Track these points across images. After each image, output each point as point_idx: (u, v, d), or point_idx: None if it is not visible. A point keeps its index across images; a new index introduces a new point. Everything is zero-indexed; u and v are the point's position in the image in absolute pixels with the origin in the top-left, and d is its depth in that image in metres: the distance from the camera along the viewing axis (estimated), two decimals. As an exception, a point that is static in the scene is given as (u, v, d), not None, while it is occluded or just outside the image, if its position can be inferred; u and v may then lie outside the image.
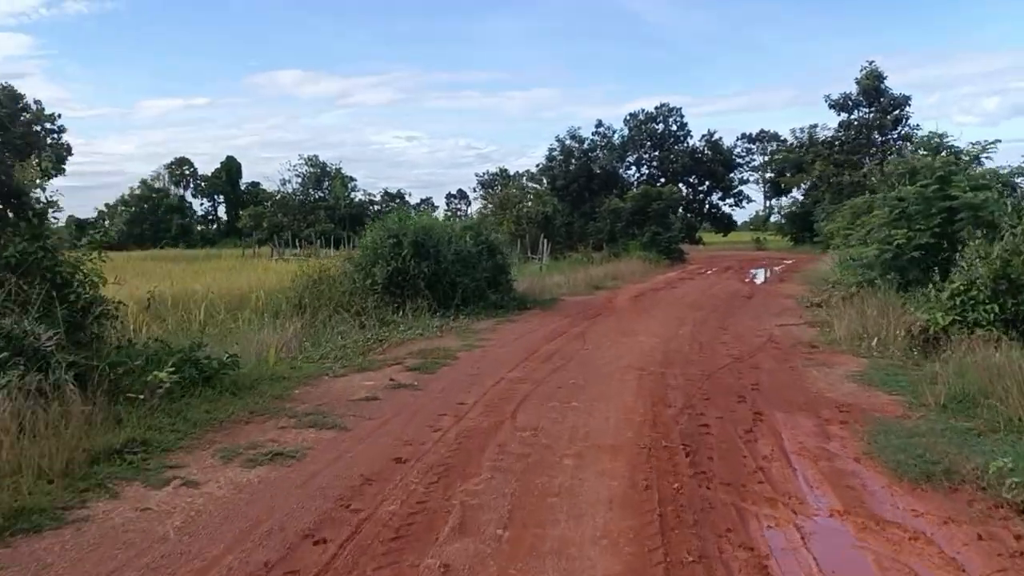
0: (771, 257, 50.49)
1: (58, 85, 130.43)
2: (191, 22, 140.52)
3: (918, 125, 46.37)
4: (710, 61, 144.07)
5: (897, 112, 45.68)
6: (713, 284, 29.72)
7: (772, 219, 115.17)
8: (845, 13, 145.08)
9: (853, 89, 46.73)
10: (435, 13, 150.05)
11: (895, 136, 46.17)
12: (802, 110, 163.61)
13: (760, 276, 34.92)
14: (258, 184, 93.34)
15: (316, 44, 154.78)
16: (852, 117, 46.23)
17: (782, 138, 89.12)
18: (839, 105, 46.61)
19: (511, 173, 55.93)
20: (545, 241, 46.91)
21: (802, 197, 60.43)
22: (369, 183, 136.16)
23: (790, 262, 42.51)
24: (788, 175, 59.60)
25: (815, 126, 60.19)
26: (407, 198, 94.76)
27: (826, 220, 47.18)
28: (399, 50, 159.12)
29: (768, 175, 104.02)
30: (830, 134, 50.66)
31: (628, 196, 47.85)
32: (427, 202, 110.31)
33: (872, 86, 44.93)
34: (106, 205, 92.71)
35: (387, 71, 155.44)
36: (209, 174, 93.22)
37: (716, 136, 78.75)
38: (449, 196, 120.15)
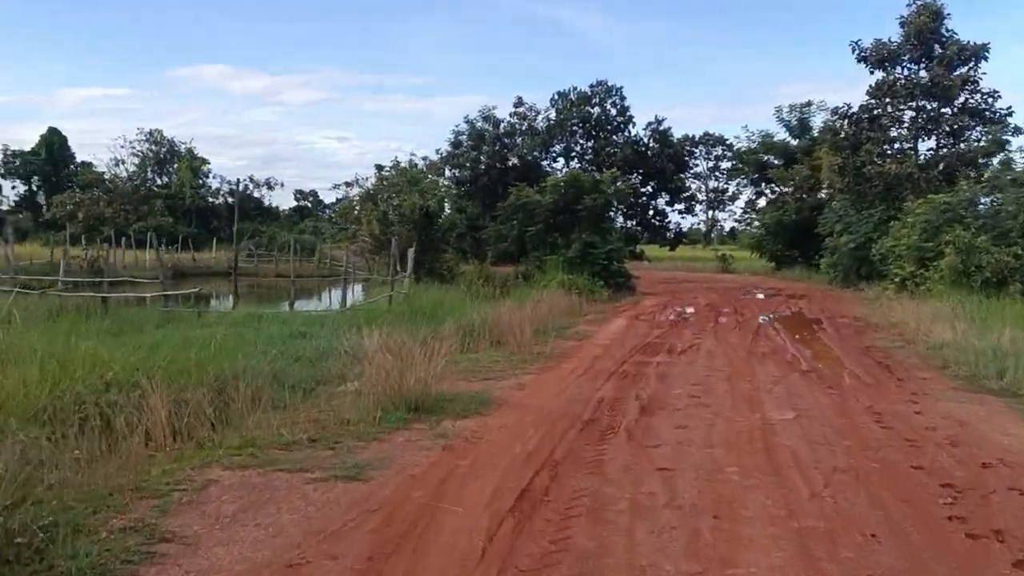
0: (757, 287, 33.89)
1: None
2: (111, 8, 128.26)
3: (995, 92, 30.32)
4: (637, 75, 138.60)
5: (966, 69, 29.72)
6: (751, 380, 12.79)
7: (714, 233, 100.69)
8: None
9: (894, 35, 30.56)
10: (364, 14, 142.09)
11: (961, 105, 30.14)
12: (725, 127, 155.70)
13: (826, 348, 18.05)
14: (89, 165, 73.71)
15: (243, 40, 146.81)
16: (891, 76, 30.12)
17: (727, 141, 73.84)
18: (875, 57, 30.36)
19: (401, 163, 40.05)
20: (411, 251, 29.58)
21: (790, 200, 44.15)
22: (299, 182, 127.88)
23: (807, 304, 25.86)
24: (774, 168, 43.34)
25: (808, 104, 44.23)
26: (277, 187, 75.81)
27: (844, 232, 30.90)
28: (328, 50, 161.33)
29: (713, 184, 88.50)
30: (841, 113, 34.45)
31: (548, 185, 30.96)
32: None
33: (927, 26, 28.91)
34: None
35: (316, 70, 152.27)
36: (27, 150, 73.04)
37: (665, 125, 62.31)
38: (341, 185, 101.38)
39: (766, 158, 46.00)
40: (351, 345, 13.53)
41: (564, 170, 54.94)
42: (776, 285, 35.13)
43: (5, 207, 75.21)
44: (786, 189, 43.48)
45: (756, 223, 46.03)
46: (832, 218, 32.63)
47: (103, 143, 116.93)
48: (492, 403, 9.20)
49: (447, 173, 60.73)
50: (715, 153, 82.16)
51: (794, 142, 44.57)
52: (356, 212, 39.57)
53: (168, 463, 6.83)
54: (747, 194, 59.63)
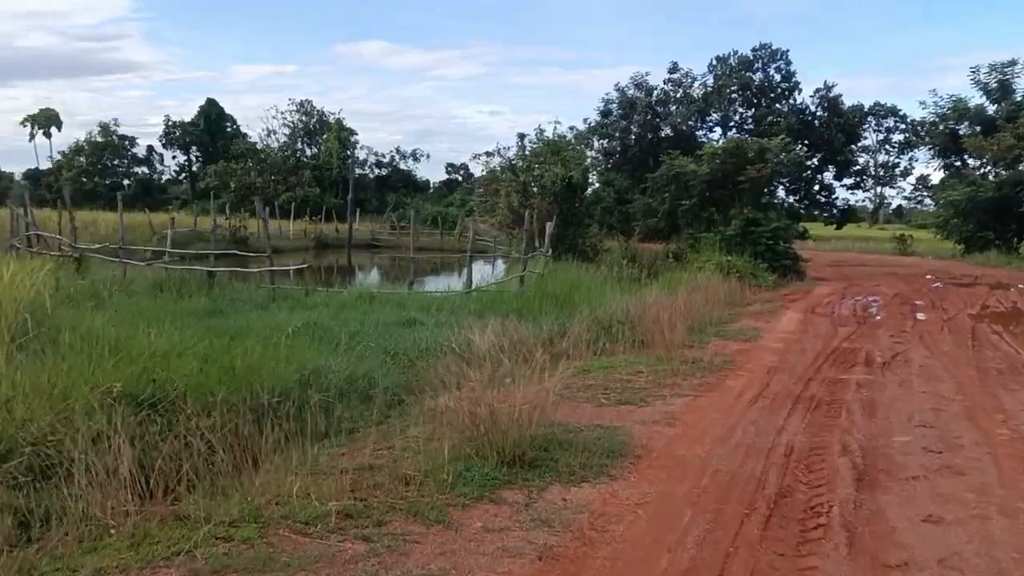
0: (948, 273, 29.15)
1: (155, 47, 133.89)
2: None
3: None
4: (803, 45, 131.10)
5: None
6: None
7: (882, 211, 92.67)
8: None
9: None
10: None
11: None
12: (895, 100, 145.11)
13: None
14: (245, 136, 74.83)
15: (403, 17, 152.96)
16: None
17: (900, 112, 66.72)
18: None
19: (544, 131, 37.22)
20: (550, 224, 26.85)
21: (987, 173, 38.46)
22: (452, 156, 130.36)
23: (1021, 297, 21.37)
24: (966, 138, 37.63)
25: (1011, 64, 38.12)
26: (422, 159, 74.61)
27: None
28: (484, 25, 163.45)
29: (882, 158, 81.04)
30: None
31: (705, 153, 27.42)
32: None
33: None
34: (62, 153, 75.43)
35: (472, 46, 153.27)
36: (185, 120, 74.89)
37: (835, 91, 56.52)
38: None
39: (957, 127, 40.27)
40: (459, 342, 10.98)
41: (721, 140, 50.73)
42: (970, 271, 30.23)
43: (167, 177, 77.86)
44: (982, 160, 37.57)
45: (940, 200, 40.27)
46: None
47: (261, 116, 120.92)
48: (627, 451, 6.29)
49: (595, 144, 57.61)
50: (886, 125, 75.00)
51: (992, 108, 38.76)
52: (495, 184, 37.13)
53: (113, 554, 4.37)
54: (924, 169, 53.39)
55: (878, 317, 16.39)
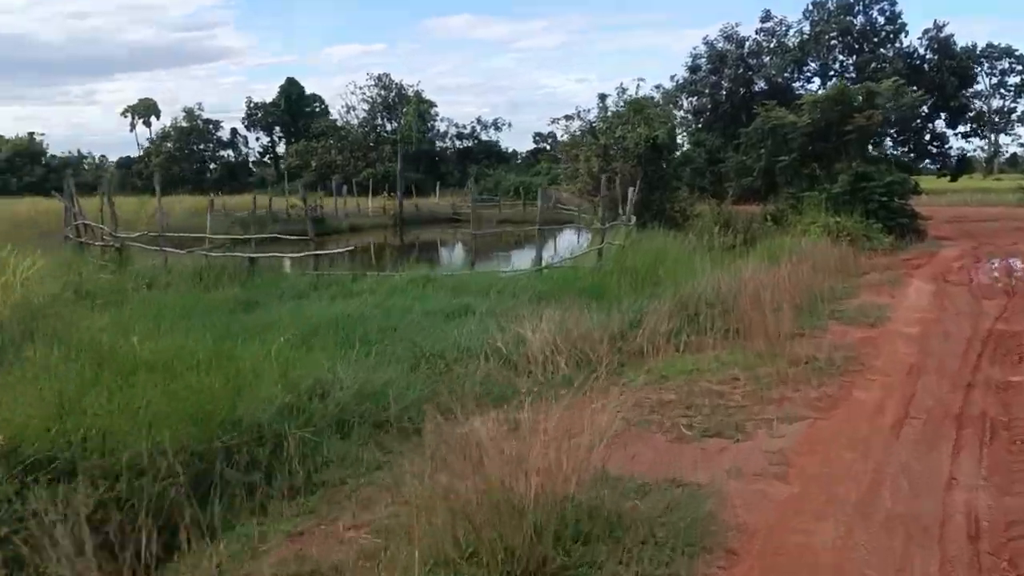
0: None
1: (248, 33, 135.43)
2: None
3: None
4: None
5: None
6: None
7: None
8: None
9: None
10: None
11: None
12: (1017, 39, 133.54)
13: None
14: (327, 114, 73.92)
15: None
16: None
17: (1017, 52, 61.34)
18: None
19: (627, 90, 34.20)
20: (632, 190, 24.45)
21: None
22: (540, 126, 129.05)
23: None
24: None
25: None
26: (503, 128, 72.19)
27: None
28: None
29: (996, 102, 75.06)
30: None
31: (806, 102, 24.44)
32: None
33: None
34: (149, 140, 76.11)
35: (557, 15, 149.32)
36: (267, 101, 74.38)
37: (946, 31, 51.95)
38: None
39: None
40: (508, 340, 8.91)
41: (820, 91, 46.81)
42: None
43: (252, 158, 77.83)
44: None
45: None
46: None
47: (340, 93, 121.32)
48: (716, 539, 4.00)
49: (683, 102, 54.43)
50: (1000, 67, 69.12)
51: None
52: (575, 149, 34.64)
53: None
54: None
55: (1029, 284, 13.56)
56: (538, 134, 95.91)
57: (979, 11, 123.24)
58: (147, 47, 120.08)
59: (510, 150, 78.47)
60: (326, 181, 54.91)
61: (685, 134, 52.33)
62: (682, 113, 53.80)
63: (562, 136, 38.55)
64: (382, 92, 68.24)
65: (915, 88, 50.78)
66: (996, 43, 65.62)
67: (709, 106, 53.66)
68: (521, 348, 8.75)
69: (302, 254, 15.97)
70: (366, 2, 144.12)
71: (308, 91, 75.68)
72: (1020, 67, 68.31)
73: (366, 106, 68.63)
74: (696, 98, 54.09)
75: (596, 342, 8.70)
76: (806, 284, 12.48)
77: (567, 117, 35.97)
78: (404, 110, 66.65)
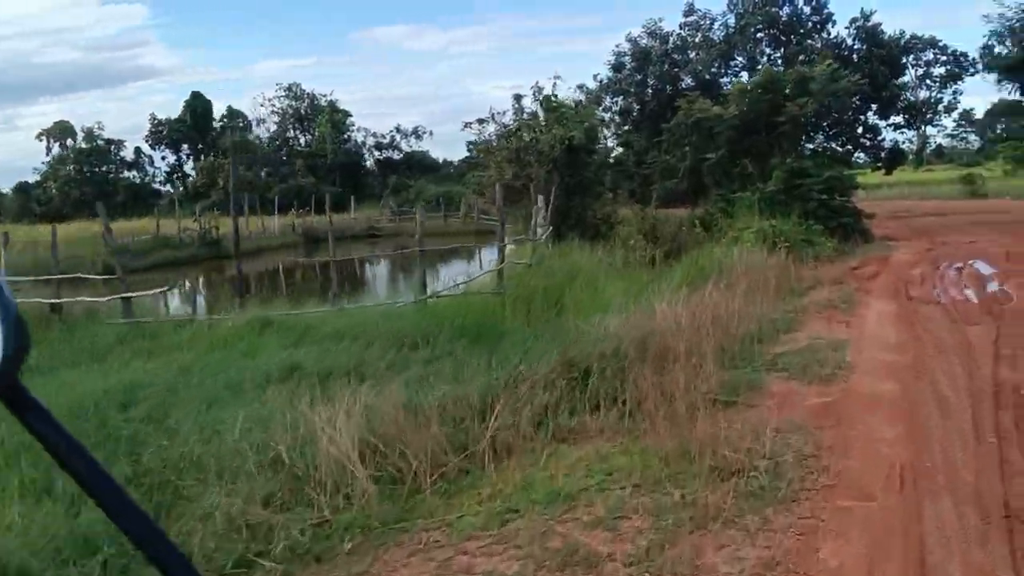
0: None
1: (177, 52, 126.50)
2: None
3: None
4: None
5: None
6: None
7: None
8: None
9: None
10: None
11: None
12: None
13: None
14: (248, 130, 69.57)
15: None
16: None
17: (941, 43, 60.63)
18: None
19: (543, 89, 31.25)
20: (542, 199, 21.80)
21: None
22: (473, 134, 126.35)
23: None
24: None
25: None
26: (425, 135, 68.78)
27: None
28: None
29: (923, 93, 74.28)
30: None
31: (733, 92, 21.83)
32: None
33: None
34: (44, 163, 71.01)
35: (493, 20, 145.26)
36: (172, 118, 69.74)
37: (873, 20, 50.41)
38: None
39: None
40: (291, 441, 5.85)
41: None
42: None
43: (159, 179, 73.24)
44: None
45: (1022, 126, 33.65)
46: None
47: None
48: None
49: (609, 103, 51.92)
50: (925, 58, 68.27)
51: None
52: (489, 155, 31.56)
53: None
54: (972, 102, 46.53)
55: (1013, 296, 10.86)
56: (471, 143, 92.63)
57: (903, 5, 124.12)
58: (69, 69, 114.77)
59: (442, 160, 75.37)
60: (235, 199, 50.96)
61: (613, 136, 49.86)
62: (609, 114, 51.27)
63: (473, 141, 35.55)
64: (293, 103, 64.48)
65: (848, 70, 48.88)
66: (920, 35, 64.59)
67: (636, 106, 51.28)
68: (310, 454, 5.67)
69: (108, 298, 12.60)
70: (298, 17, 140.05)
71: (236, 107, 71.51)
72: (945, 58, 67.50)
73: (276, 118, 64.84)
74: (622, 98, 51.66)
75: (423, 442, 5.64)
76: (736, 313, 9.61)
77: (480, 121, 32.95)
78: (317, 121, 63.01)
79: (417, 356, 10.10)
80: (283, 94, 64.55)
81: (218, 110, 70.05)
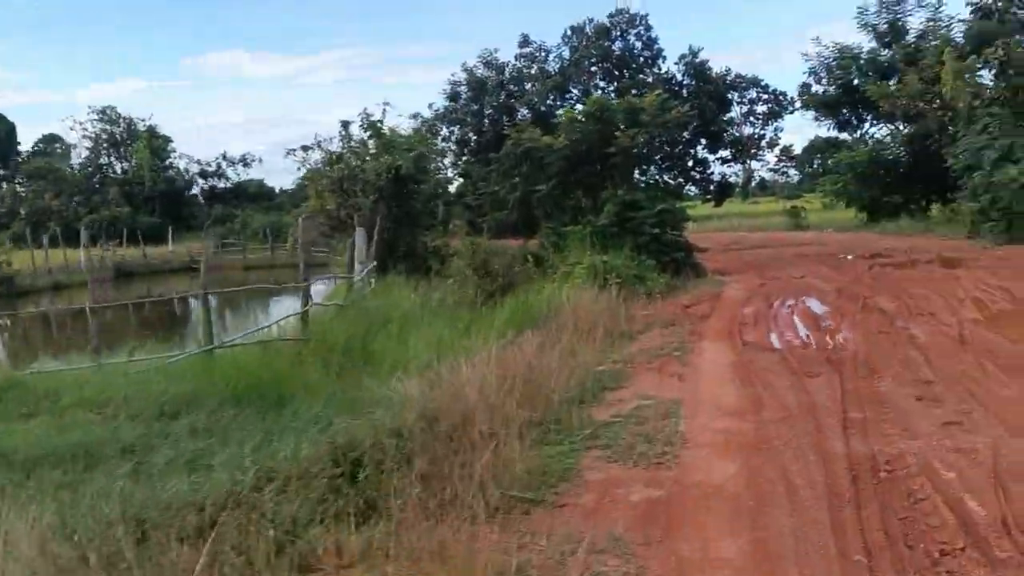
0: (869, 249, 23.69)
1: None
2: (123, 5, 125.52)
3: None
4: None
5: None
6: None
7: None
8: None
9: None
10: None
11: None
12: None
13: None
14: (68, 156, 63.85)
15: (259, 24, 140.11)
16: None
17: (763, 82, 63.54)
18: None
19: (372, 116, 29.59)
20: (363, 231, 20.20)
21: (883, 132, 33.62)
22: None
23: (996, 278, 15.59)
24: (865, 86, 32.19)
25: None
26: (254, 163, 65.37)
27: (1004, 161, 20.79)
28: (350, 26, 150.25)
29: (748, 130, 77.57)
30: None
31: (564, 120, 20.97)
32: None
33: None
34: None
35: (337, 48, 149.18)
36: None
37: (701, 57, 51.64)
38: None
39: (849, 76, 34.89)
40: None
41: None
42: (890, 243, 24.85)
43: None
44: (893, 110, 31.46)
45: (839, 162, 34.68)
46: (976, 144, 22.16)
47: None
48: None
49: (445, 132, 50.85)
50: (748, 96, 71.37)
51: (885, 52, 33.72)
52: (313, 185, 29.43)
53: None
54: (792, 138, 48.43)
55: (847, 339, 10.08)
56: (307, 171, 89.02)
57: (724, 48, 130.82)
58: None
59: (279, 189, 71.91)
60: (40, 229, 46.50)
61: (451, 166, 48.85)
62: (446, 144, 50.26)
63: (298, 169, 33.33)
64: (107, 128, 59.83)
65: (678, 102, 49.68)
66: (744, 74, 67.35)
67: (473, 136, 50.53)
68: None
69: None
70: (129, 38, 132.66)
71: (52, 131, 65.55)
72: (766, 96, 70.59)
73: (89, 144, 59.97)
74: (458, 127, 50.79)
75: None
76: (557, 369, 8.28)
77: (304, 148, 30.72)
78: (134, 147, 58.64)
79: (176, 429, 8.23)
80: (96, 118, 59.78)
81: (35, 135, 64.40)
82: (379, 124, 26.07)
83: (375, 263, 21.21)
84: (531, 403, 7.13)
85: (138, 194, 56.60)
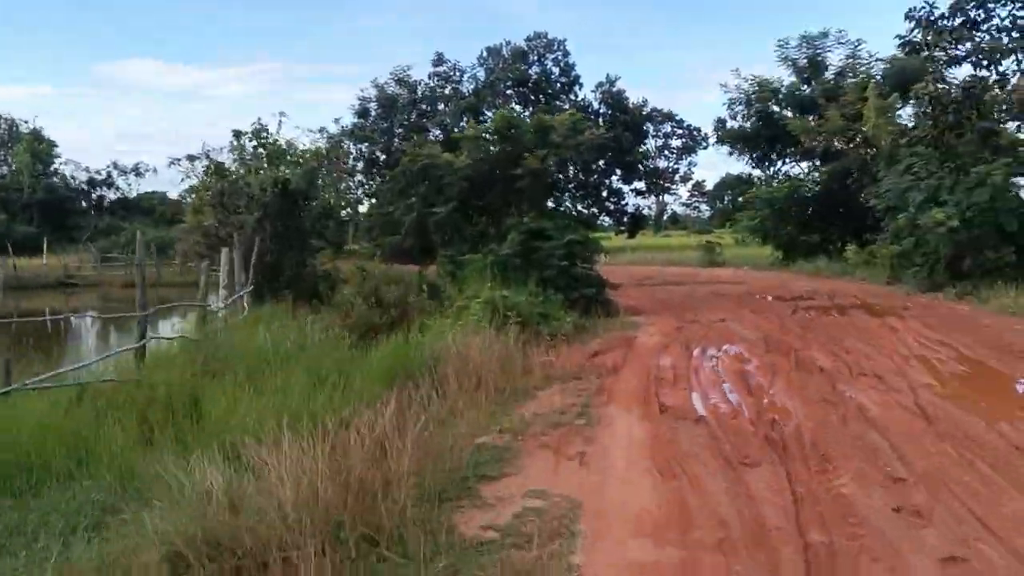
0: (788, 290, 22.44)
1: None
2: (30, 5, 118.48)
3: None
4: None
5: None
6: None
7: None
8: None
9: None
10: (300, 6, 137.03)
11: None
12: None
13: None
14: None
15: (174, 33, 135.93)
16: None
17: (678, 117, 63.58)
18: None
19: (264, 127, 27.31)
20: (236, 252, 17.81)
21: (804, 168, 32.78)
22: None
23: (939, 333, 14.20)
24: (788, 118, 31.25)
25: (823, 36, 32.19)
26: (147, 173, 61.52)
27: (929, 203, 19.74)
28: (264, 41, 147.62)
29: (662, 163, 77.54)
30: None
31: (467, 136, 19.03)
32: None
33: None
34: None
35: (251, 63, 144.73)
36: None
37: (618, 86, 50.54)
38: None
39: (774, 111, 34.00)
40: None
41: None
42: (808, 285, 23.67)
43: None
44: (813, 144, 30.51)
45: (756, 198, 33.64)
46: (901, 185, 21.09)
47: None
48: None
49: (352, 150, 48.39)
50: (663, 131, 71.24)
51: (805, 88, 32.96)
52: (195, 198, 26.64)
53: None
54: (704, 173, 47.83)
55: (786, 408, 8.28)
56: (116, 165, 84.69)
57: (639, 83, 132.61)
58: None
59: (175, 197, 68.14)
60: None
61: (359, 186, 46.42)
62: (357, 163, 47.86)
63: (182, 181, 30.45)
64: (-14, 128, 55.41)
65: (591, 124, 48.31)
66: (660, 108, 67.15)
67: (382, 155, 48.24)
68: None
69: None
70: (33, 40, 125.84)
71: None
72: (681, 131, 70.53)
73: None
74: (366, 145, 48.44)
75: None
76: (425, 447, 6.19)
77: (190, 157, 27.95)
78: (14, 150, 54.28)
79: None
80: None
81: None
82: (265, 133, 23.61)
83: (252, 287, 18.81)
84: (372, 508, 5.04)
85: (15, 201, 52.28)
